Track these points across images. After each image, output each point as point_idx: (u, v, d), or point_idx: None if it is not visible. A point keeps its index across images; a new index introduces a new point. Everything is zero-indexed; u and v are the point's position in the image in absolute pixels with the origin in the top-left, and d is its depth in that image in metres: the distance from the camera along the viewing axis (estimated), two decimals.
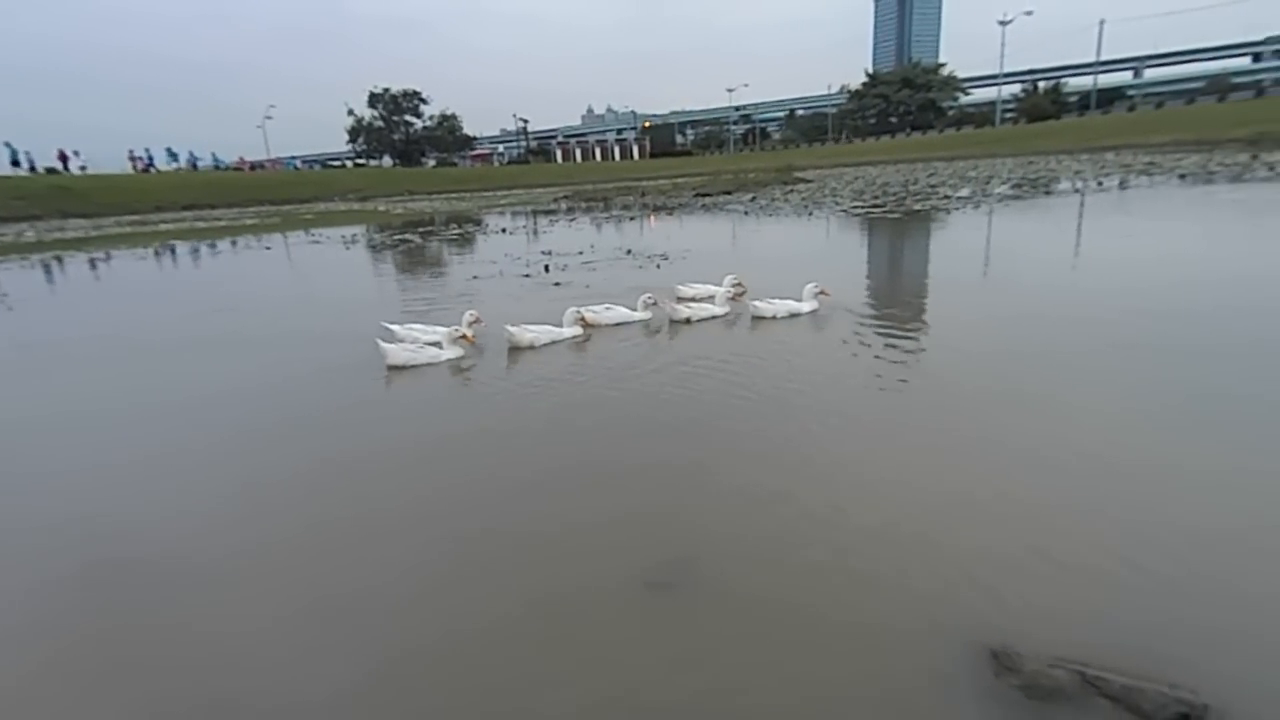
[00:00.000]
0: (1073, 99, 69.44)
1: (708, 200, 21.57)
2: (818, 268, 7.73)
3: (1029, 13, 59.26)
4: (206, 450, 3.80)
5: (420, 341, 5.36)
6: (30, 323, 8.36)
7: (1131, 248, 8.40)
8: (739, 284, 6.39)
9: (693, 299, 6.49)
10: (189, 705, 1.94)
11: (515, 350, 5.33)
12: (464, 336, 5.24)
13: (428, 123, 71.52)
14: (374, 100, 68.75)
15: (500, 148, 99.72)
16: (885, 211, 14.57)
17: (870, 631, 2.03)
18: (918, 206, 15.05)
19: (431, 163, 69.00)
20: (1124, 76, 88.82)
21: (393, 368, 4.99)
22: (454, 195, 39.06)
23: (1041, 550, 2.32)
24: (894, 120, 70.52)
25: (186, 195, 33.61)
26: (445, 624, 2.20)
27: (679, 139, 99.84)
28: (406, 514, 2.95)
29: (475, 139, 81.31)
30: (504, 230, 16.68)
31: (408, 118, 70.40)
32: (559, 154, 79.45)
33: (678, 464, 3.22)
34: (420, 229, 18.12)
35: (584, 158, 75.85)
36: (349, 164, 69.11)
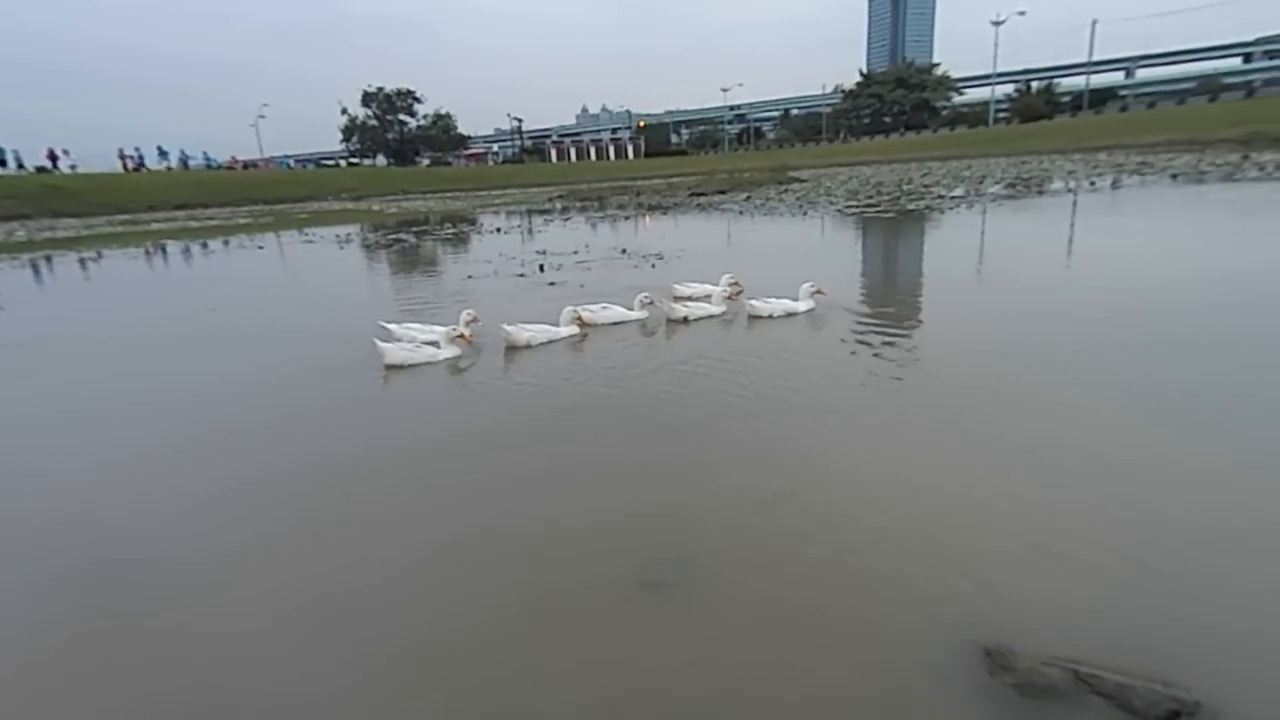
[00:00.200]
0: (1066, 99, 69.72)
1: (702, 200, 21.58)
2: (813, 267, 7.75)
3: (1022, 13, 59.59)
4: (203, 450, 3.78)
5: (418, 341, 5.35)
6: (22, 323, 8.30)
7: (1124, 247, 8.45)
8: (736, 283, 6.40)
9: (689, 298, 6.50)
10: (187, 706, 1.94)
11: (512, 349, 5.33)
12: (461, 336, 5.24)
13: (422, 122, 71.35)
14: (368, 99, 68.50)
15: (495, 147, 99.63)
16: (880, 211, 14.62)
17: (865, 630, 2.04)
18: (912, 206, 15.11)
19: (426, 162, 68.74)
20: (1116, 77, 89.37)
21: (390, 367, 4.98)
22: (448, 195, 38.95)
23: (1038, 549, 2.34)
24: (888, 120, 70.74)
25: (179, 194, 33.36)
26: (443, 624, 2.20)
27: (674, 138, 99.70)
28: (404, 514, 2.95)
29: (470, 138, 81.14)
30: (498, 230, 16.65)
31: (402, 117, 70.19)
32: (554, 153, 79.38)
33: (676, 463, 3.23)
34: (414, 228, 18.07)
35: (579, 157, 75.81)
36: (343, 163, 68.69)
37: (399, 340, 5.43)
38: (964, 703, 1.75)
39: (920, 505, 2.69)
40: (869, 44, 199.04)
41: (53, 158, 39.70)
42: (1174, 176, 16.72)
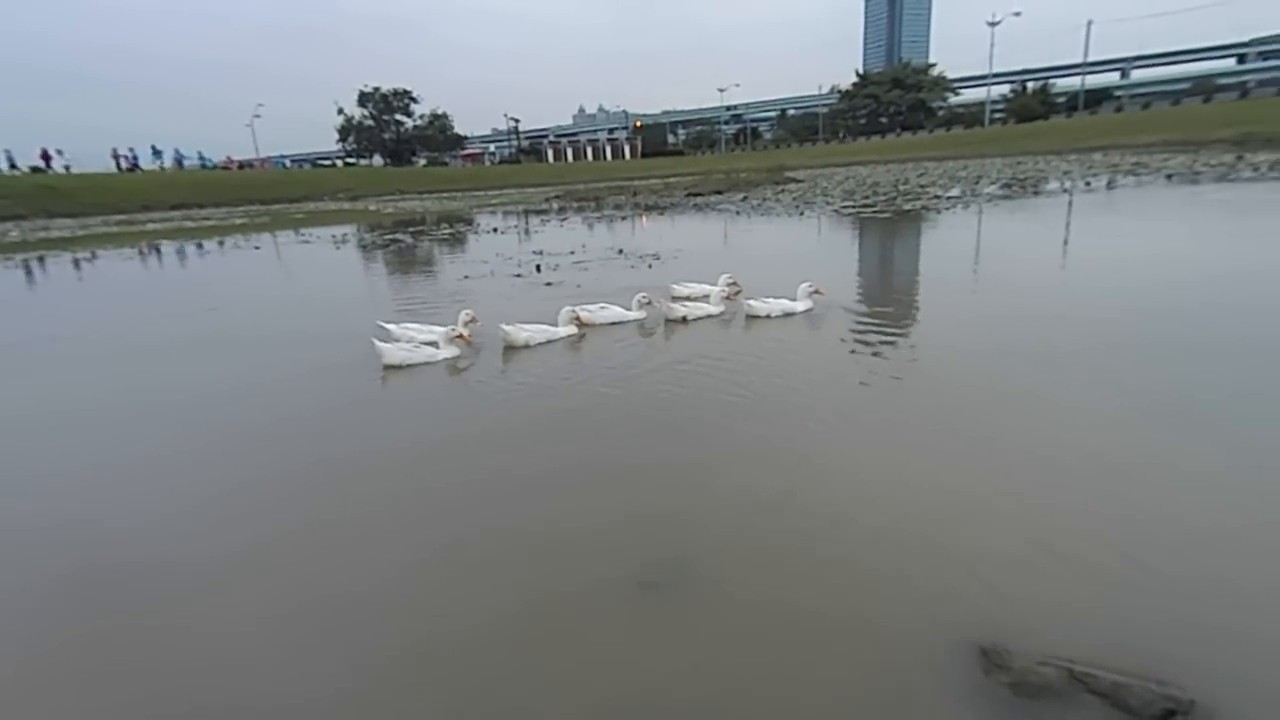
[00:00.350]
0: (1061, 99, 69.93)
1: (699, 200, 21.60)
2: (810, 267, 7.77)
3: (1017, 14, 59.70)
4: (201, 450, 3.77)
5: (416, 341, 5.35)
6: (16, 323, 8.27)
7: (1120, 247, 8.49)
8: (734, 283, 6.42)
9: (688, 298, 6.51)
10: (186, 706, 1.94)
11: (510, 349, 5.33)
12: (460, 336, 5.24)
13: (418, 122, 71.22)
14: (364, 99, 68.35)
15: (491, 147, 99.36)
16: (876, 211, 14.65)
17: (863, 630, 2.05)
18: (908, 206, 15.14)
19: (422, 162, 68.64)
20: (1111, 77, 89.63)
21: (389, 367, 4.98)
22: (445, 195, 38.89)
23: (1036, 547, 2.35)
24: (884, 120, 70.86)
25: (174, 195, 33.24)
26: (442, 624, 2.21)
27: (670, 139, 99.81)
28: (403, 514, 2.95)
29: (466, 138, 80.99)
30: (495, 230, 16.63)
31: (398, 117, 70.06)
32: (550, 153, 79.27)
33: (676, 463, 3.24)
34: (411, 229, 18.04)
35: (575, 157, 75.78)
36: (339, 163, 68.58)
37: (398, 340, 5.43)
38: (960, 702, 1.76)
39: (918, 504, 2.70)
40: (865, 44, 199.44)
41: (46, 157, 39.52)
42: (1169, 177, 16.80)
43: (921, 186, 20.42)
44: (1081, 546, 2.34)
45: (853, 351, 4.79)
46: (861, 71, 77.64)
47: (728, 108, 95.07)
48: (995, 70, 65.43)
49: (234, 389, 4.91)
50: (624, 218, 17.75)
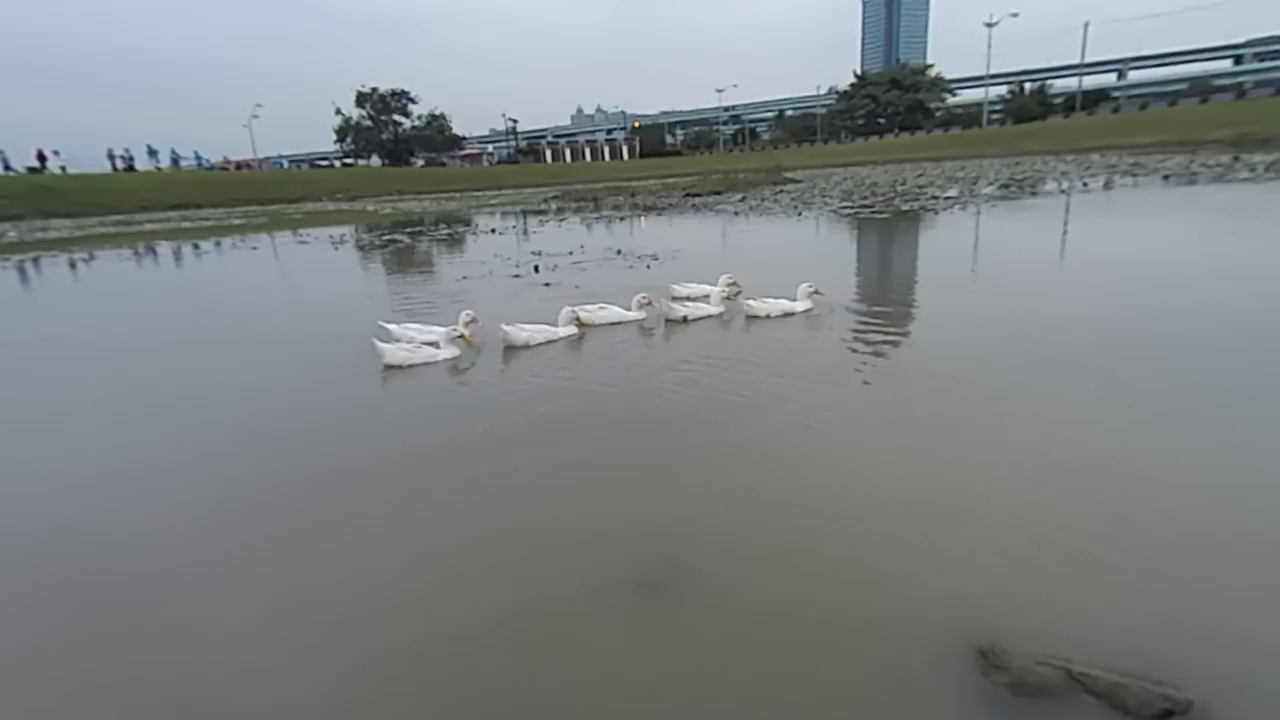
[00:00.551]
0: (1058, 100, 70.00)
1: (698, 200, 21.61)
2: (810, 267, 7.79)
3: (1015, 14, 59.73)
4: (200, 451, 3.77)
5: (417, 341, 5.35)
6: (15, 323, 8.25)
7: (1118, 247, 8.51)
8: (734, 283, 6.43)
9: (688, 298, 6.51)
10: (185, 707, 1.94)
11: (511, 349, 5.34)
12: (461, 336, 5.25)
13: (416, 122, 71.03)
14: (362, 100, 68.15)
15: (490, 148, 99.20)
16: (874, 211, 14.67)
17: (860, 630, 2.06)
18: (906, 206, 15.16)
19: (420, 162, 68.51)
20: (1108, 78, 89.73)
21: (389, 367, 4.98)
22: (443, 195, 38.85)
23: (1036, 547, 2.36)
24: (882, 121, 70.87)
25: (172, 195, 33.20)
26: (440, 625, 2.21)
27: (669, 139, 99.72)
28: (402, 514, 2.95)
29: (464, 139, 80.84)
30: (493, 230, 16.63)
31: (396, 117, 69.86)
32: (549, 154, 79.16)
33: (676, 463, 3.24)
34: (409, 229, 18.02)
35: (574, 158, 75.69)
36: (337, 164, 68.49)
37: (398, 340, 5.43)
38: (959, 702, 1.77)
39: (918, 504, 2.70)
40: (863, 45, 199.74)
41: (41, 158, 39.37)
42: (1166, 177, 16.84)
43: (920, 187, 20.45)
44: (1080, 545, 2.35)
45: (853, 351, 4.80)
46: (859, 72, 77.64)
47: (726, 108, 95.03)
48: (993, 71, 65.40)
49: (233, 389, 4.90)
50: (622, 218, 17.75)
